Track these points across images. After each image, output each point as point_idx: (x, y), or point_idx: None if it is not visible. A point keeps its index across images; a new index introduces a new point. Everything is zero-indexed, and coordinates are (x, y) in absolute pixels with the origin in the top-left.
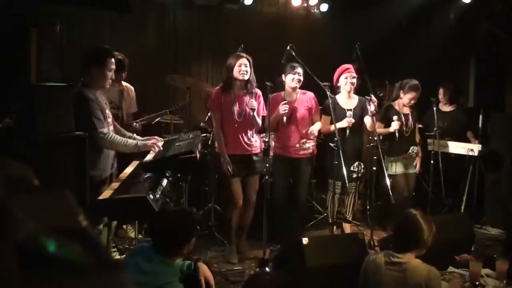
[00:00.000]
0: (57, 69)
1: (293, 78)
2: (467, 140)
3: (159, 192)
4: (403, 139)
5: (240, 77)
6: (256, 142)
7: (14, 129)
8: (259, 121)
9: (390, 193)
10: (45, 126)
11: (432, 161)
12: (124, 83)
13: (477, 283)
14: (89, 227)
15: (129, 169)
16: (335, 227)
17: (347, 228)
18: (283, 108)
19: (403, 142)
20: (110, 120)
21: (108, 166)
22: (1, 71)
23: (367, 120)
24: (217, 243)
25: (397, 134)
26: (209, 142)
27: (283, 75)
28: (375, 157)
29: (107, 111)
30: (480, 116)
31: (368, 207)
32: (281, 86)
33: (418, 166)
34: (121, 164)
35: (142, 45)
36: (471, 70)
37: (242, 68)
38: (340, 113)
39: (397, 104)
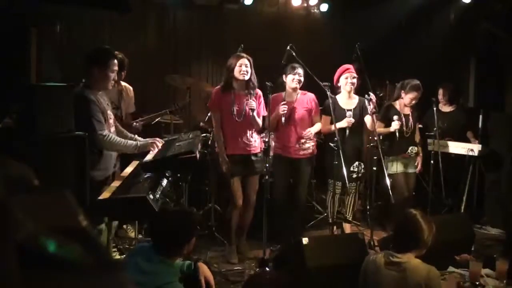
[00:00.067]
0: (57, 69)
1: (293, 79)
2: (467, 140)
3: (159, 192)
4: (403, 140)
5: (241, 77)
6: (255, 142)
7: (14, 129)
8: (259, 121)
9: (390, 193)
10: (45, 126)
11: (432, 161)
12: (123, 83)
13: (477, 283)
14: (89, 227)
15: (129, 169)
16: (335, 227)
17: (347, 228)
18: (282, 109)
19: (403, 142)
20: (111, 121)
21: (111, 165)
22: (1, 71)
23: (367, 119)
24: (217, 243)
25: (397, 134)
26: (209, 142)
27: (283, 76)
28: (375, 157)
29: (109, 112)
30: (480, 116)
31: (368, 207)
32: (282, 86)
33: (419, 165)
34: (121, 164)
35: (142, 45)
36: (471, 70)
37: (243, 68)
38: (340, 113)
39: (398, 104)
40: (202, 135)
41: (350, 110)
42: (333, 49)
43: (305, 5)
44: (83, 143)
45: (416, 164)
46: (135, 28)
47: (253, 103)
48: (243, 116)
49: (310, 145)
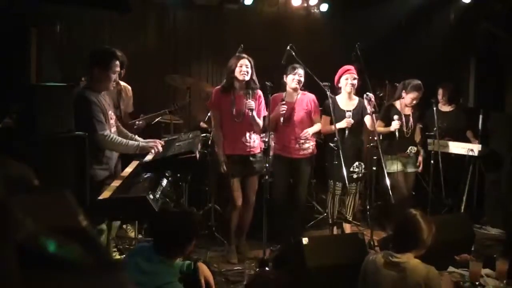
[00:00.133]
0: (57, 69)
1: (293, 79)
2: (466, 140)
3: (159, 192)
4: (403, 139)
5: (241, 78)
6: (254, 142)
7: (14, 129)
8: (259, 121)
9: (390, 193)
10: (45, 126)
11: (432, 161)
12: (122, 83)
13: (477, 283)
14: (89, 227)
15: (129, 169)
16: (335, 227)
17: (347, 228)
18: (281, 109)
19: (403, 142)
20: (113, 121)
21: (113, 163)
22: (1, 71)
23: (367, 119)
24: (217, 243)
25: (397, 133)
26: (209, 142)
27: (284, 76)
28: (375, 157)
29: (110, 113)
30: (480, 116)
31: (368, 207)
32: (283, 86)
33: (421, 165)
34: (121, 164)
35: (142, 45)
36: (471, 70)
37: (243, 69)
38: (339, 114)
39: (398, 104)
40: (202, 135)
41: (350, 111)
42: (333, 49)
43: (305, 5)
44: (83, 143)
45: (418, 164)
46: (135, 28)
47: (251, 103)
48: (242, 117)
49: (309, 145)
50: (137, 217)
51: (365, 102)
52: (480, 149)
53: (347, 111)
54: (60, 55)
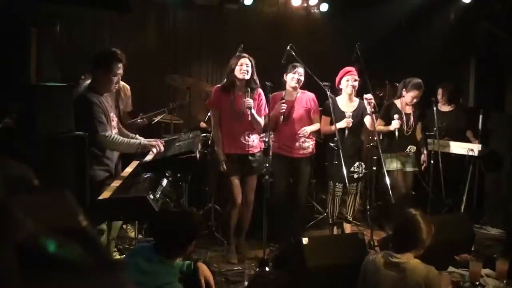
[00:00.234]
0: (57, 69)
1: (293, 77)
2: (466, 140)
3: (159, 192)
4: (403, 138)
5: (241, 76)
6: (253, 142)
7: (14, 129)
8: (260, 120)
9: (390, 193)
10: (45, 126)
11: (432, 161)
12: (121, 82)
13: (477, 283)
14: (89, 227)
15: (129, 169)
16: (335, 227)
17: (348, 228)
18: (281, 107)
19: (402, 141)
20: (114, 123)
21: (113, 164)
22: (1, 71)
23: (367, 119)
24: (217, 243)
25: (397, 132)
26: (209, 142)
27: (284, 74)
28: (375, 157)
29: (112, 114)
30: (480, 116)
31: (368, 207)
32: (282, 85)
33: (425, 163)
34: (122, 164)
35: (142, 45)
36: (471, 70)
37: (243, 68)
38: (339, 115)
39: (399, 103)
40: (202, 135)
41: (350, 112)
42: (333, 49)
43: (305, 5)
44: (83, 143)
45: (422, 162)
46: (135, 28)
47: (250, 101)
48: (242, 116)
49: (309, 144)
50: (137, 217)
51: (365, 102)
52: (480, 149)
53: (347, 112)
54: (60, 55)
